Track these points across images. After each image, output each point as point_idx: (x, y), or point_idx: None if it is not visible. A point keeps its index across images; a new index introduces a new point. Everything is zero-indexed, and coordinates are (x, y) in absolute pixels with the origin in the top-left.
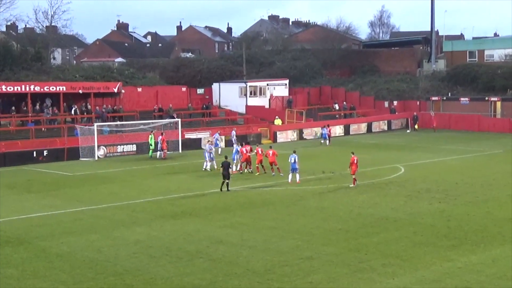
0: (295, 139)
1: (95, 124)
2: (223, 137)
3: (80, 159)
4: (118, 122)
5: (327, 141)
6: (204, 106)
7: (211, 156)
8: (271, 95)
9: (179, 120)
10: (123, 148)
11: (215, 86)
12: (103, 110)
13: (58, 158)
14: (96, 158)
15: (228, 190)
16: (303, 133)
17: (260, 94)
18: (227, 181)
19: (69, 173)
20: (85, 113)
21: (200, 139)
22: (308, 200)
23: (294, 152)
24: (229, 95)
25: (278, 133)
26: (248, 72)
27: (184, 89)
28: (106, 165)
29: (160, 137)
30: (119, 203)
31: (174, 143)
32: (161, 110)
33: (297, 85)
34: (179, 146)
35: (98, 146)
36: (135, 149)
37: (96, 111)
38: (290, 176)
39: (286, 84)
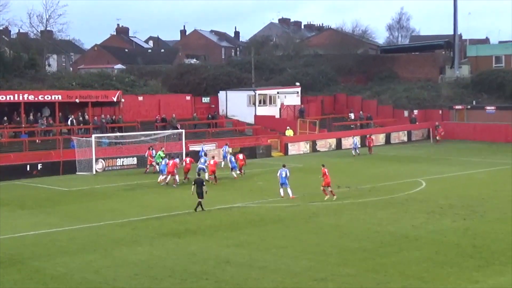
0: (308, 151)
1: (93, 136)
2: (230, 149)
3: (77, 173)
4: (118, 134)
5: (368, 151)
6: (210, 116)
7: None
8: (282, 104)
9: (183, 131)
10: (122, 161)
11: (221, 94)
12: (101, 120)
13: (53, 172)
14: (94, 172)
15: (202, 209)
16: (316, 144)
17: (270, 103)
18: (201, 200)
19: (65, 188)
20: (82, 124)
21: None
22: (322, 217)
23: (284, 166)
24: (236, 104)
25: (289, 145)
26: (257, 80)
27: (188, 97)
28: (105, 180)
29: (147, 151)
30: (118, 221)
31: (178, 155)
32: (164, 120)
33: (310, 93)
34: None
35: (96, 159)
36: (135, 163)
37: (94, 121)
38: (281, 190)
39: (298, 92)
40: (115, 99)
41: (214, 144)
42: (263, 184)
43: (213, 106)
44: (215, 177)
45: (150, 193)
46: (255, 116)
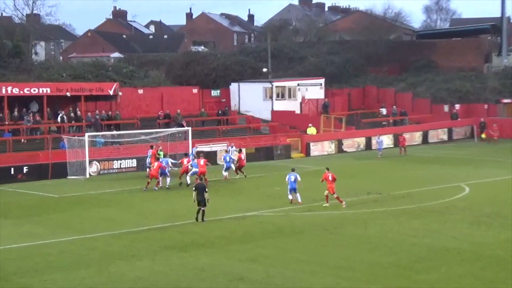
0: (333, 152)
1: (86, 134)
2: (243, 149)
3: (68, 177)
4: (115, 132)
5: (403, 151)
6: (220, 112)
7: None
8: (303, 98)
9: (189, 129)
10: (120, 164)
11: (233, 86)
12: (96, 117)
13: (41, 176)
14: (88, 176)
15: (203, 220)
16: (342, 144)
17: (290, 96)
18: (202, 208)
19: (54, 194)
20: (74, 121)
21: (216, 152)
22: (349, 227)
23: (293, 170)
24: (251, 98)
25: (311, 144)
26: (275, 70)
27: (195, 90)
28: (100, 185)
29: (151, 150)
30: (115, 231)
31: (183, 156)
32: (168, 116)
33: (335, 85)
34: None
35: (90, 162)
36: (135, 165)
37: (87, 118)
38: (290, 196)
39: (321, 84)
40: (111, 93)
41: (225, 144)
42: (280, 189)
43: (224, 100)
44: (205, 179)
45: (151, 199)
46: (272, 111)
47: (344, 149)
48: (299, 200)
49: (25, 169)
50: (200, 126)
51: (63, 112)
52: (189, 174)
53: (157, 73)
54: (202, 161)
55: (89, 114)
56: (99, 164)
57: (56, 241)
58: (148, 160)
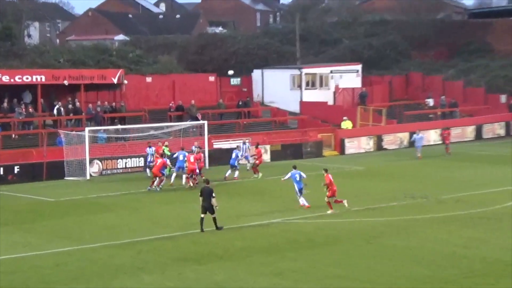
0: (371, 149)
1: (87, 129)
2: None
3: (66, 178)
4: (119, 126)
5: (448, 150)
6: (241, 103)
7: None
8: (337, 87)
9: (205, 122)
10: (125, 163)
11: (256, 74)
12: (97, 108)
13: (34, 177)
14: (88, 177)
15: (217, 228)
16: (382, 140)
17: (321, 85)
18: (213, 216)
19: (50, 198)
20: (72, 113)
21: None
22: (389, 236)
23: (295, 168)
24: (276, 87)
25: (346, 141)
26: (304, 54)
27: (212, 78)
28: (102, 187)
29: (153, 148)
30: (119, 241)
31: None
32: (180, 108)
33: (374, 72)
34: (206, 160)
35: (91, 160)
36: (142, 164)
37: (88, 110)
38: (301, 199)
39: (357, 71)
40: (115, 81)
41: (247, 140)
42: (311, 192)
43: (245, 89)
44: (193, 178)
45: (161, 204)
46: (301, 102)
47: (384, 146)
48: (306, 204)
49: (16, 169)
50: (217, 119)
51: (60, 103)
52: (168, 171)
53: (168, 58)
54: (192, 157)
55: (89, 105)
56: (101, 163)
57: (51, 252)
58: (150, 159)
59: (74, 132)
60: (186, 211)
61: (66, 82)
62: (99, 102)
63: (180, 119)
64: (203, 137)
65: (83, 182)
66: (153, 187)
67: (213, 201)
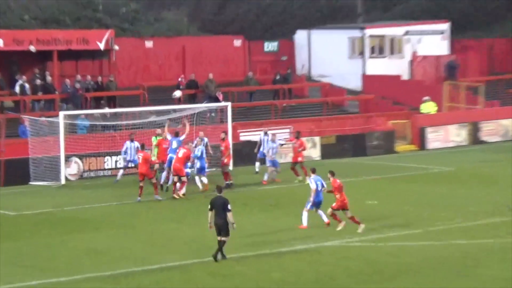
0: (464, 142)
1: (62, 113)
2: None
3: (31, 183)
4: (107, 110)
5: None
6: (279, 78)
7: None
8: (414, 54)
9: (229, 104)
10: (116, 162)
11: (300, 36)
12: (76, 85)
13: None
14: (63, 181)
15: (223, 256)
16: (479, 130)
17: (392, 52)
18: (223, 239)
19: (8, 211)
20: (41, 92)
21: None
22: (487, 265)
23: (314, 172)
24: (329, 55)
25: (428, 131)
26: (368, 9)
27: (238, 42)
28: (83, 196)
29: (130, 144)
30: (108, 272)
31: (218, 149)
32: (193, 85)
33: (468, 34)
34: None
35: (67, 158)
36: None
37: (63, 87)
38: (323, 214)
39: (442, 32)
40: (102, 46)
41: (288, 130)
42: (378, 204)
43: (285, 58)
44: (179, 183)
45: (166, 220)
46: (364, 76)
47: (482, 138)
48: (325, 220)
49: None
50: (246, 100)
51: (23, 77)
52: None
53: (176, 15)
54: (181, 152)
55: (66, 81)
56: (82, 161)
57: (12, 287)
58: (130, 157)
59: (43, 118)
60: (201, 230)
61: (32, 48)
62: (79, 76)
63: (192, 99)
64: (225, 125)
65: (56, 188)
66: (156, 196)
67: (229, 216)
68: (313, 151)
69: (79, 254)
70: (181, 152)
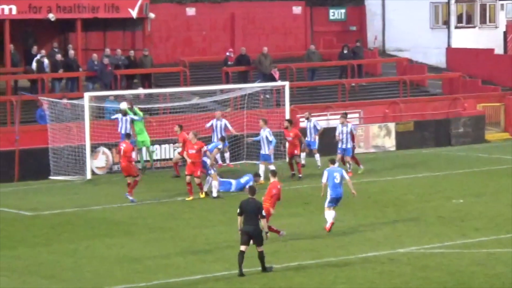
0: None
1: (87, 95)
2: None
3: (51, 177)
4: (142, 91)
5: None
6: (347, 52)
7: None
8: (510, 24)
9: (286, 84)
10: (152, 152)
11: (372, 2)
12: (105, 61)
13: (0, 174)
14: (89, 175)
15: (266, 268)
16: None
17: (483, 21)
18: (259, 249)
19: (24, 210)
20: (62, 69)
21: (334, 129)
22: None
23: (333, 162)
24: (407, 25)
25: None
26: None
27: (298, 9)
28: (112, 193)
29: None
30: (141, 284)
31: (276, 136)
32: (243, 60)
33: None
34: (287, 148)
35: (94, 148)
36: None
37: (89, 63)
38: (329, 214)
39: None
40: (134, 15)
41: (357, 115)
42: (463, 203)
43: (354, 28)
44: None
45: (214, 223)
46: (449, 50)
47: None
48: (330, 221)
49: None
50: (307, 79)
51: (42, 51)
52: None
53: None
54: (195, 147)
55: (92, 56)
56: (111, 152)
57: None
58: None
59: (65, 101)
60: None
61: (52, 17)
62: (107, 50)
63: (243, 78)
64: (282, 109)
65: (80, 184)
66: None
67: (264, 223)
68: (386, 140)
69: (107, 263)
70: (195, 147)
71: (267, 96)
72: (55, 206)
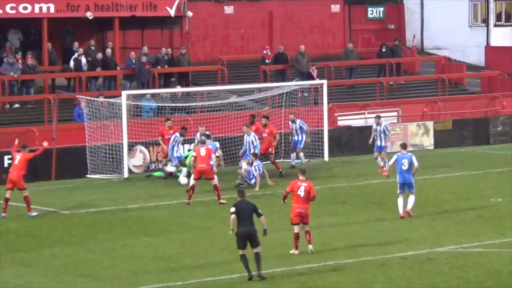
0: None
1: (124, 93)
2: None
3: (89, 175)
4: (179, 89)
5: None
6: (385, 50)
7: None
8: None
9: (324, 83)
10: (189, 150)
11: (409, 0)
12: (142, 59)
13: (36, 173)
14: (126, 174)
15: (260, 275)
16: None
17: None
18: (255, 250)
19: (61, 209)
20: (99, 68)
21: (370, 128)
22: None
23: (405, 147)
24: (446, 23)
25: None
26: None
27: (336, 7)
28: (149, 192)
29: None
30: (178, 283)
31: (314, 135)
32: (281, 58)
33: None
34: (324, 146)
35: (132, 146)
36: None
37: (126, 62)
38: (400, 202)
39: None
40: (172, 13)
41: (395, 113)
42: (501, 202)
43: (393, 26)
44: (214, 187)
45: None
46: (488, 49)
47: None
48: (410, 207)
49: (6, 161)
50: (345, 77)
51: (80, 50)
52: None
53: None
54: (203, 150)
55: (130, 54)
56: (148, 150)
57: None
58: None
59: (103, 99)
60: (288, 233)
61: (89, 15)
62: (145, 49)
63: (281, 76)
64: (319, 108)
65: (117, 182)
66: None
67: (264, 221)
68: (425, 139)
69: (144, 262)
70: (203, 150)
71: (305, 94)
72: (92, 205)
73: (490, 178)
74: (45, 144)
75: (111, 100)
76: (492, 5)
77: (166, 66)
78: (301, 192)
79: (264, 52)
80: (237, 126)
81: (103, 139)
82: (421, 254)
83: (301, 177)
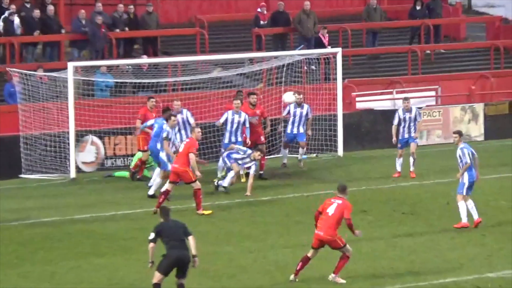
0: None
1: (71, 65)
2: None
3: (23, 175)
4: (145, 60)
5: None
6: (420, 7)
7: None
8: None
9: (339, 52)
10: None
11: None
12: (95, 18)
13: None
14: (73, 173)
15: None
16: None
17: None
18: (180, 281)
19: None
20: (39, 30)
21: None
22: None
23: (460, 134)
24: None
25: None
26: None
27: None
28: (104, 197)
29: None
30: None
31: (325, 122)
32: (280, 18)
33: None
34: (338, 136)
35: (80, 137)
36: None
37: (74, 23)
38: (462, 205)
39: None
40: None
41: (433, 93)
42: None
43: None
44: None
45: (241, 236)
46: None
47: None
48: (475, 216)
49: None
50: (366, 45)
51: (12, 7)
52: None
53: None
54: (183, 145)
55: (80, 12)
56: (103, 142)
57: None
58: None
59: (42, 73)
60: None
61: None
62: (99, 5)
63: (280, 43)
64: (332, 85)
65: (61, 184)
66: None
67: (193, 243)
68: (472, 127)
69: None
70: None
71: (313, 67)
72: (27, 215)
73: None
74: None
75: (54, 74)
76: None
77: (127, 29)
78: (331, 210)
79: (258, 10)
80: (221, 110)
81: (42, 126)
82: (466, 281)
83: (339, 195)
